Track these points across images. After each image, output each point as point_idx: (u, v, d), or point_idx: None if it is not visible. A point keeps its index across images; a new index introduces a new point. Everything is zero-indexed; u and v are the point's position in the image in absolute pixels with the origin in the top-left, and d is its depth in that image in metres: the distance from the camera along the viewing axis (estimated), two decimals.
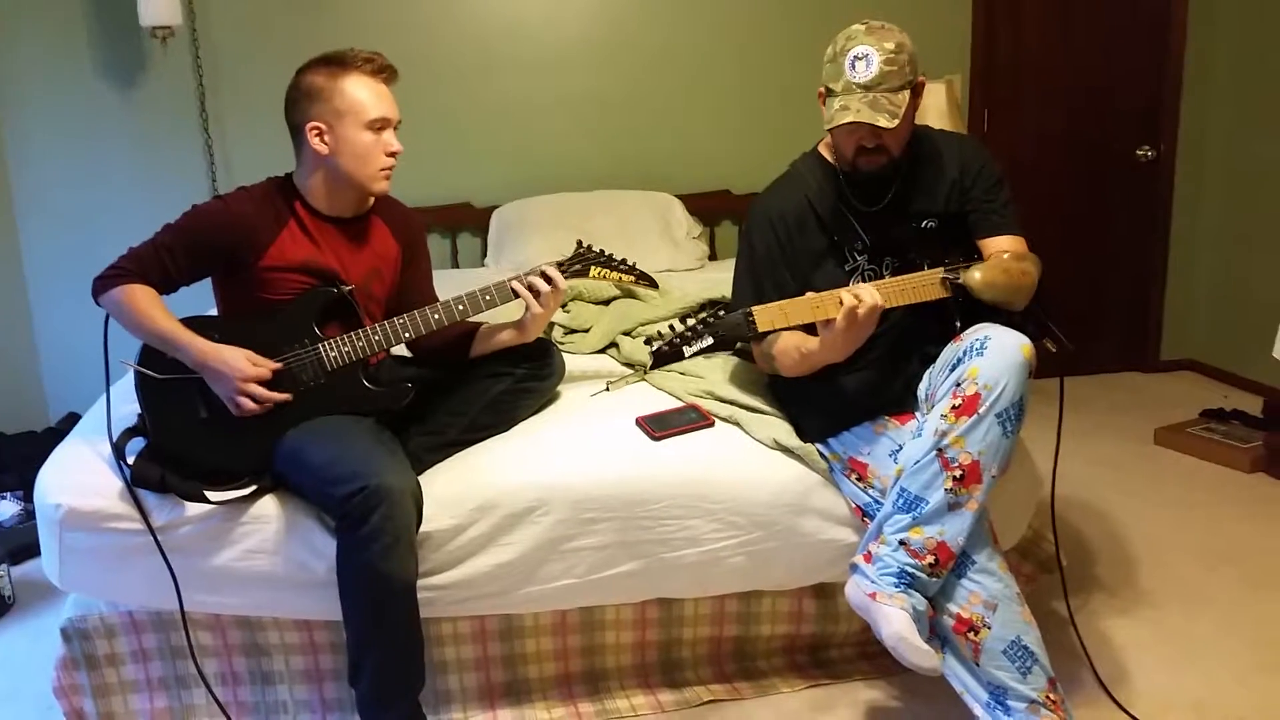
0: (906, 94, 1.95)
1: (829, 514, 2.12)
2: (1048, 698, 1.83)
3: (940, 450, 1.84)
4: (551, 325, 2.93)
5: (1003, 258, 2.00)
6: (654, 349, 1.99)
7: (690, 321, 2.00)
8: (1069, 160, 4.36)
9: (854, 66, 1.92)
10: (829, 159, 2.17)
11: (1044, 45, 4.26)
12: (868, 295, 1.89)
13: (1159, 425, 3.72)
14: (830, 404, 2.13)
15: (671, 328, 2.01)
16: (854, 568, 1.94)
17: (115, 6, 3.64)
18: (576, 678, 2.22)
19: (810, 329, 2.04)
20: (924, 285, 1.99)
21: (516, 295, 2.14)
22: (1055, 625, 2.34)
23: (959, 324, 1.99)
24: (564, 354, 2.44)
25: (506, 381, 2.23)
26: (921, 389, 2.07)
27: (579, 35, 4.05)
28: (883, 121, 1.90)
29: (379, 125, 2.05)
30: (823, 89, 2.00)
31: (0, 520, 3.07)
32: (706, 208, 4.17)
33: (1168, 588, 2.63)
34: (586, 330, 2.90)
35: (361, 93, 2.03)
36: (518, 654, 2.18)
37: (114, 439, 2.05)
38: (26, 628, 2.63)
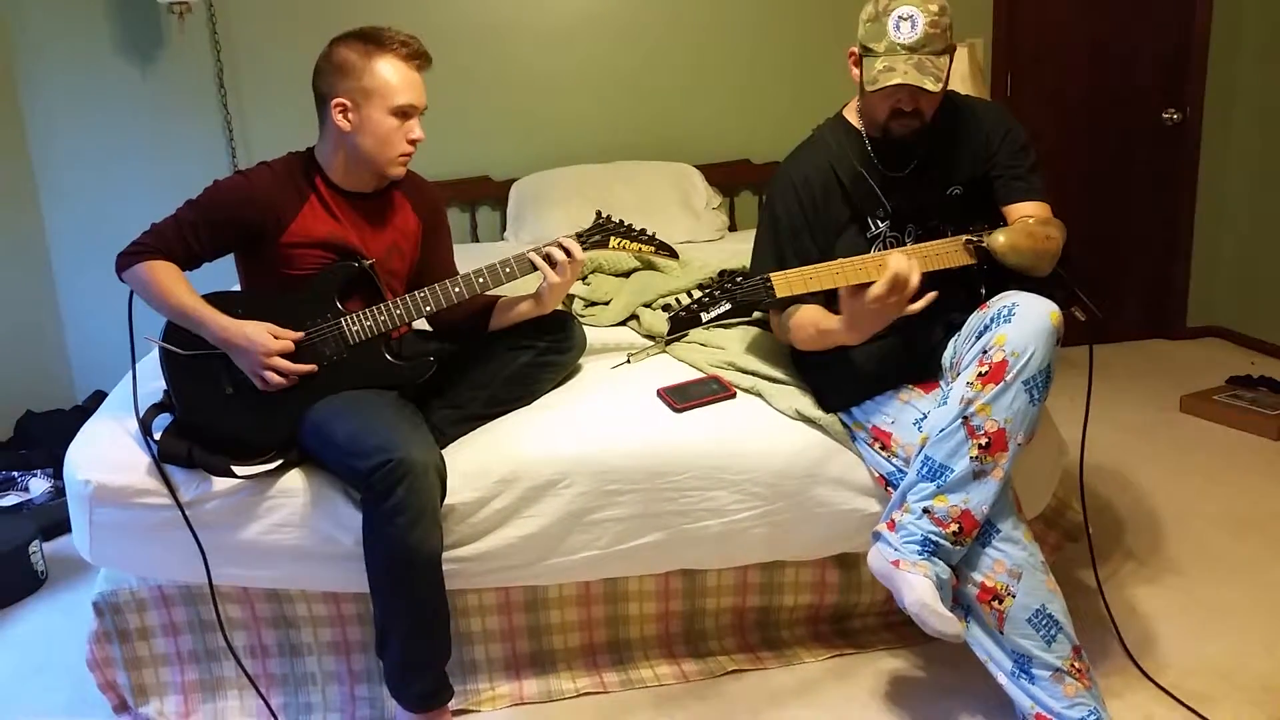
0: (947, 58, 1.92)
1: (851, 484, 2.12)
2: (1073, 666, 1.82)
3: (966, 418, 1.82)
4: (571, 298, 2.92)
5: (1027, 222, 1.97)
6: (671, 315, 1.98)
7: (708, 288, 1.98)
8: (1093, 124, 4.29)
9: (898, 27, 1.87)
10: (854, 124, 2.13)
11: (1067, 6, 4.18)
12: (908, 265, 1.81)
13: (1185, 392, 3.69)
14: (853, 373, 2.11)
15: (689, 294, 1.99)
16: (877, 536, 1.93)
17: None
18: (601, 648, 2.24)
19: (830, 301, 2.02)
20: (948, 252, 1.97)
21: (536, 267, 2.13)
22: (1081, 594, 2.33)
23: (984, 291, 1.97)
24: (584, 327, 2.43)
25: (528, 355, 2.23)
26: (946, 357, 2.05)
27: (596, 3, 4.01)
28: (929, 84, 1.87)
29: (405, 111, 2.03)
30: (857, 49, 1.96)
31: (31, 497, 3.11)
32: (726, 178, 4.14)
33: (1194, 556, 2.62)
34: (607, 303, 2.89)
35: (392, 76, 2.01)
36: (543, 625, 2.20)
37: (140, 415, 2.07)
38: (59, 602, 2.67)
